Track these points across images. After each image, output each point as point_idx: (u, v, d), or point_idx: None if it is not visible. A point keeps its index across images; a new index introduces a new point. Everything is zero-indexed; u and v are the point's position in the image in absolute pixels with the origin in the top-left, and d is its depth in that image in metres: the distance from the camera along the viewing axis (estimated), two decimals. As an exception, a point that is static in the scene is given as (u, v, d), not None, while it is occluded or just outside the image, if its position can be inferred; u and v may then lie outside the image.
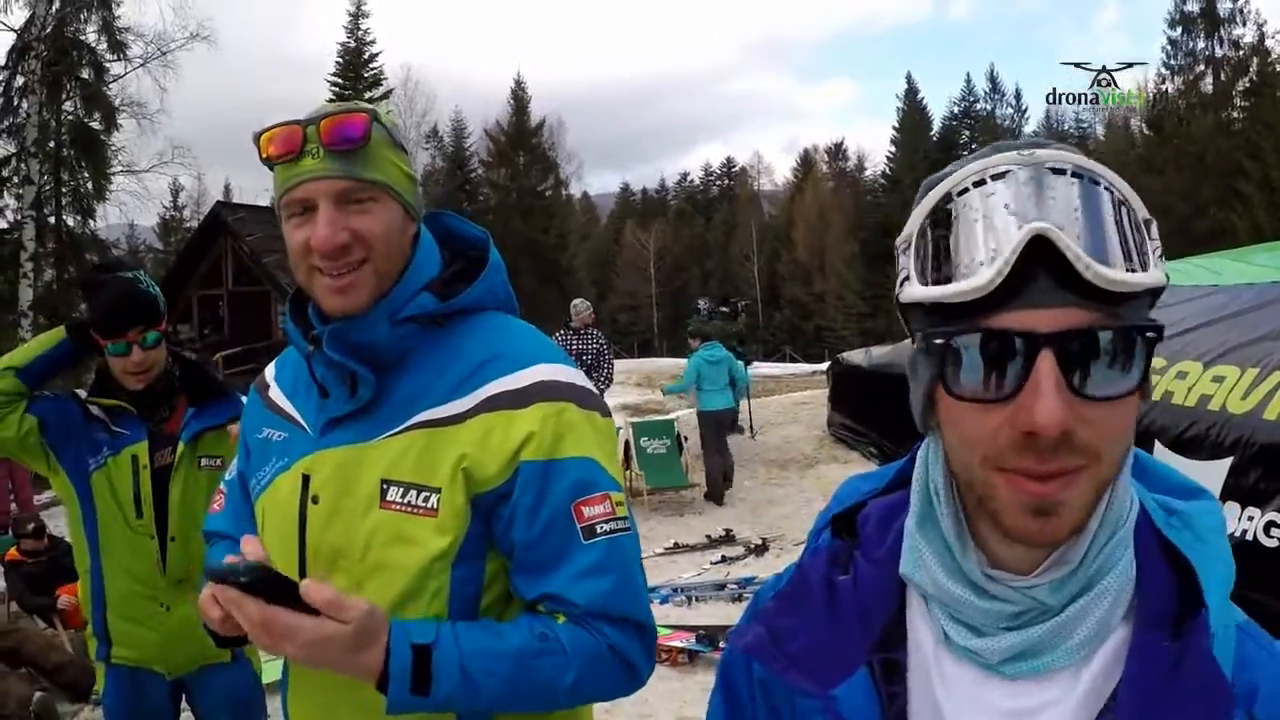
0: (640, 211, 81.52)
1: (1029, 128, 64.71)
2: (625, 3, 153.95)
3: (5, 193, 24.96)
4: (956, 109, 66.61)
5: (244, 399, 3.07)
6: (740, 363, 13.28)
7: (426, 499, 1.62)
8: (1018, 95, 64.66)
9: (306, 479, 1.72)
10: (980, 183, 0.91)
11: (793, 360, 42.99)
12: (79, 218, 28.01)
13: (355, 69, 50.28)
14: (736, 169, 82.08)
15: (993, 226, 0.88)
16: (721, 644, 6.46)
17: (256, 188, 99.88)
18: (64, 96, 25.92)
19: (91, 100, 26.66)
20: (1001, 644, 0.96)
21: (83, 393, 3.29)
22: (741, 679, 1.16)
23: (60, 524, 10.70)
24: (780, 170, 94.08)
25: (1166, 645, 0.93)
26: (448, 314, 1.74)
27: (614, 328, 61.02)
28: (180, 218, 56.01)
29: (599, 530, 1.63)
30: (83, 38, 25.69)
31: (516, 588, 1.68)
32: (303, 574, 1.69)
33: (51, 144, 25.16)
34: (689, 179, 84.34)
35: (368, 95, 49.83)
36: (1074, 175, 0.88)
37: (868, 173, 74.24)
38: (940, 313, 0.92)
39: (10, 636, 6.88)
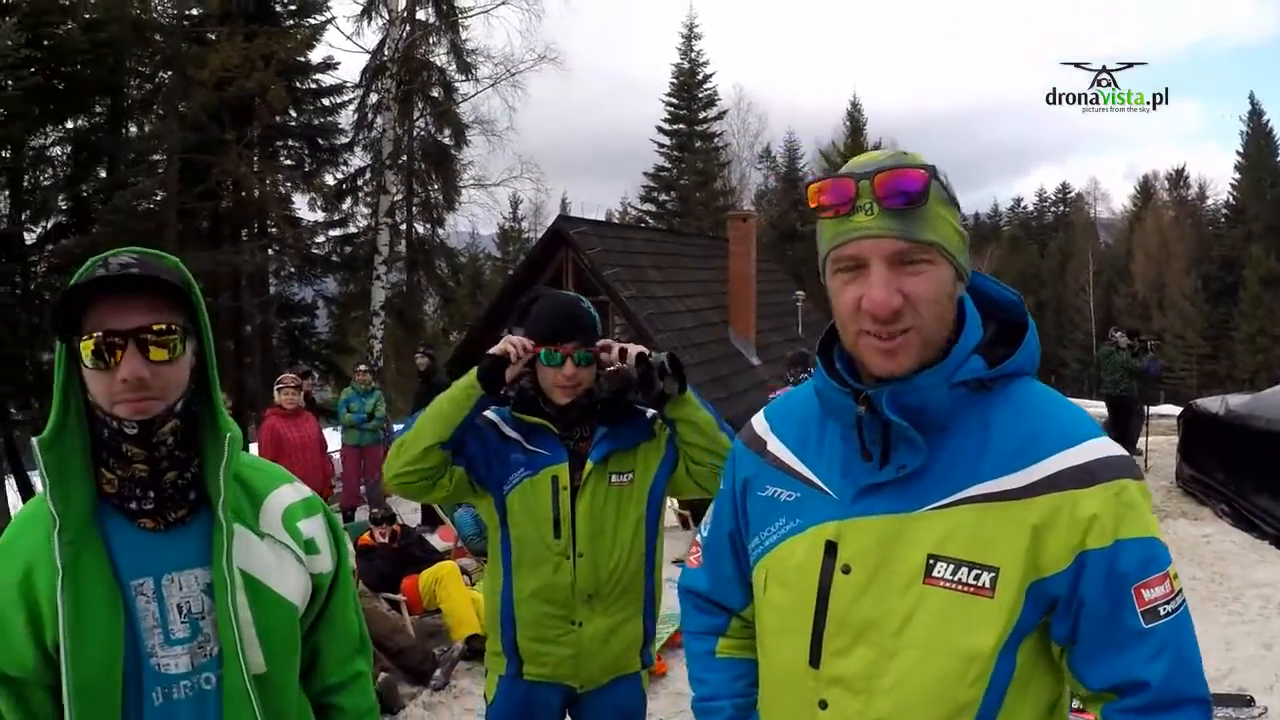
0: (972, 236, 76.94)
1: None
2: (963, 24, 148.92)
3: (360, 201, 26.47)
4: (1305, 133, 59.41)
5: (650, 417, 3.19)
6: None
7: (978, 577, 1.54)
8: (1371, 118, 57.13)
9: (832, 546, 1.66)
10: None
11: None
12: (428, 226, 29.48)
13: (689, 89, 50.73)
14: (1072, 195, 77.11)
15: None
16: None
17: (592, 202, 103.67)
18: (416, 114, 27.29)
19: (442, 117, 27.97)
20: None
21: (494, 416, 3.21)
22: None
23: (406, 511, 10.94)
24: (1118, 197, 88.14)
25: None
26: (992, 379, 1.64)
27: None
28: (519, 228, 58.16)
29: (1160, 612, 1.53)
30: (432, 59, 26.98)
31: (1077, 675, 1.60)
32: (818, 641, 1.66)
33: (404, 157, 26.41)
34: (1022, 205, 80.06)
35: (701, 115, 50.29)
36: None
37: (1209, 201, 67.49)
38: None
39: None
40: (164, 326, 1.71)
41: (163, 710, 1.73)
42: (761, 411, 1.97)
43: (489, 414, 3.18)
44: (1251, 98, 63.43)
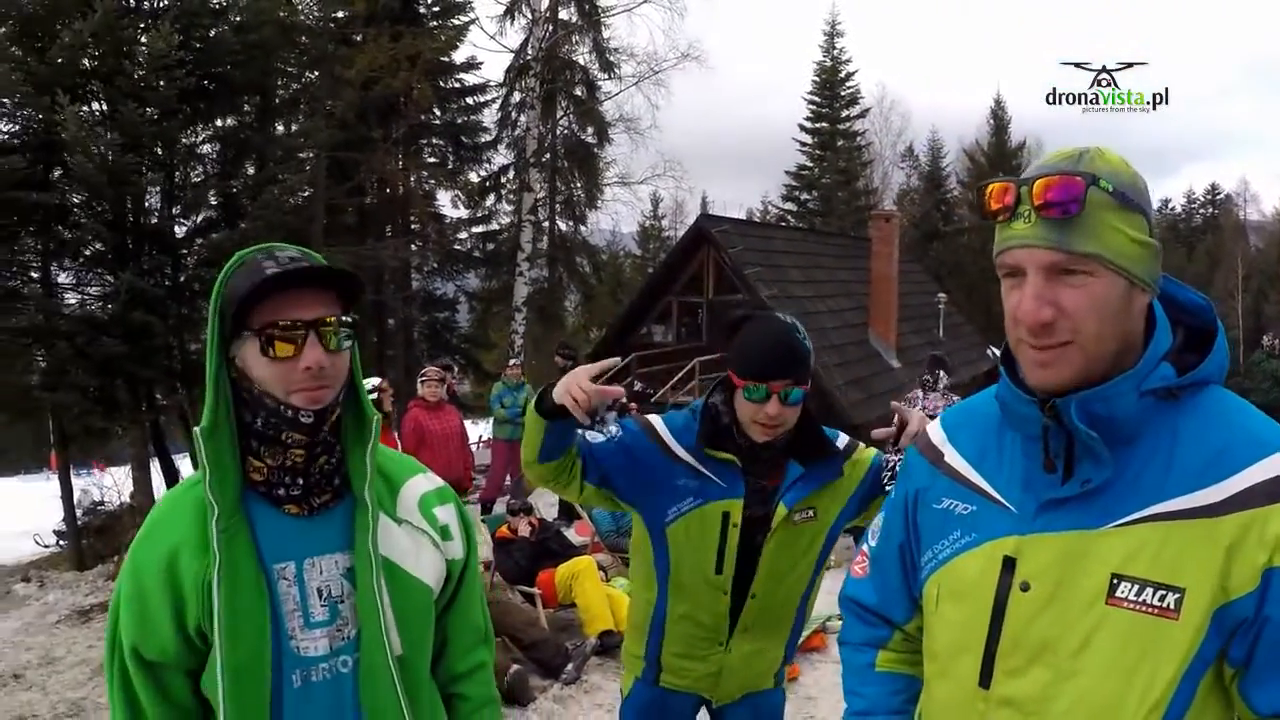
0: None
1: None
2: (1112, 22, 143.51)
3: (503, 198, 26.79)
4: None
5: (843, 445, 2.97)
6: None
7: (1163, 598, 1.46)
8: None
9: (1010, 562, 1.60)
10: None
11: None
12: (570, 223, 29.72)
13: (832, 87, 49.93)
14: (1221, 196, 73.54)
15: None
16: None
17: (733, 200, 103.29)
18: (559, 113, 27.51)
19: (585, 116, 28.17)
20: None
21: (663, 430, 2.93)
22: None
23: (544, 505, 11.01)
24: (1269, 199, 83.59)
25: None
26: (1180, 388, 1.56)
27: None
28: (659, 226, 57.88)
29: None
30: (575, 58, 27.18)
31: (1246, 698, 1.49)
32: (989, 660, 1.61)
33: (547, 155, 26.63)
34: (1170, 205, 76.70)
35: (843, 114, 49.58)
36: None
37: (1362, 202, 63.86)
38: None
39: (493, 606, 7.16)
40: (339, 318, 1.77)
41: (301, 692, 1.77)
42: (938, 420, 1.91)
43: (657, 427, 2.94)
44: None
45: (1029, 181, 1.49)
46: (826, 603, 7.74)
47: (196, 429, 1.74)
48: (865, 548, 2.02)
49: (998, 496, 1.66)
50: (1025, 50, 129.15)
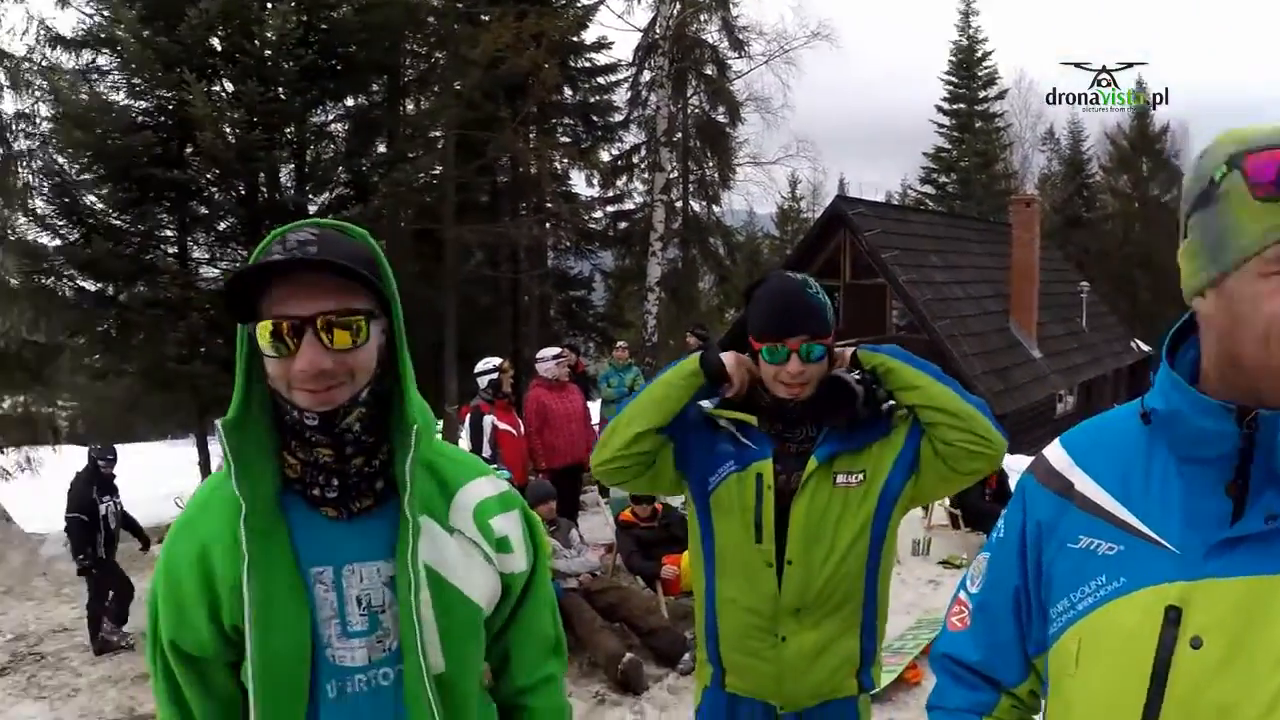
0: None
1: None
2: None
3: (635, 178, 26.62)
4: None
5: (886, 411, 2.70)
6: None
7: None
8: None
9: (1175, 612, 1.31)
10: None
11: None
12: (704, 203, 29.42)
13: (968, 68, 48.29)
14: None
15: None
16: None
17: (870, 182, 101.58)
18: (690, 92, 27.17)
19: (715, 95, 27.80)
20: None
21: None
22: None
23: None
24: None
25: None
26: None
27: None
28: (797, 208, 56.64)
29: None
30: (704, 36, 26.77)
31: None
32: None
33: (679, 135, 26.34)
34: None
35: (981, 95, 48.07)
36: None
37: None
38: None
39: (612, 592, 7.02)
40: (346, 310, 1.54)
41: (337, 704, 1.62)
42: (1058, 441, 1.57)
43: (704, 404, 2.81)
44: None
45: None
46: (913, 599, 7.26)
47: (219, 421, 1.59)
48: (963, 595, 1.68)
49: (1151, 534, 1.36)
50: (1178, 29, 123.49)
